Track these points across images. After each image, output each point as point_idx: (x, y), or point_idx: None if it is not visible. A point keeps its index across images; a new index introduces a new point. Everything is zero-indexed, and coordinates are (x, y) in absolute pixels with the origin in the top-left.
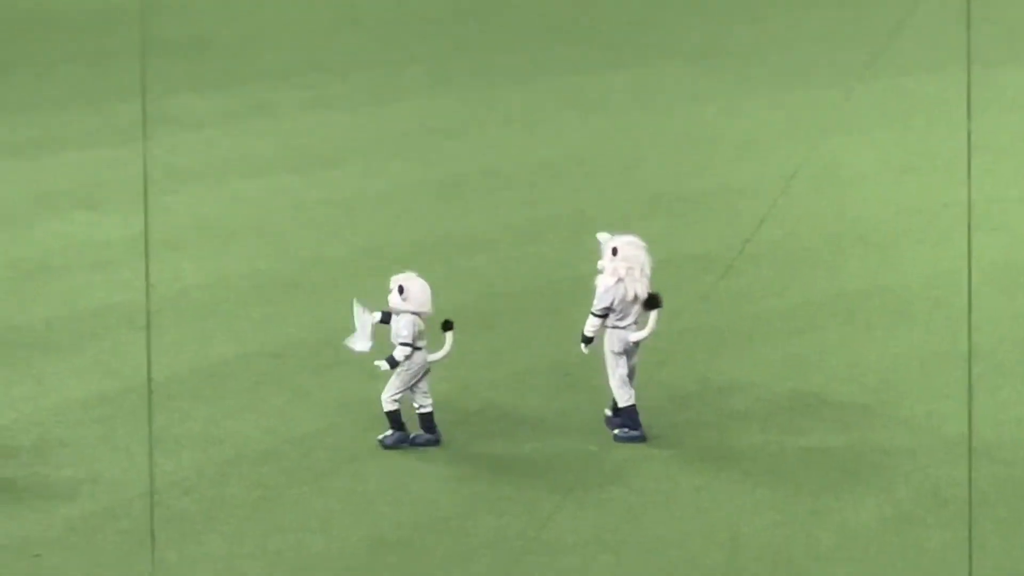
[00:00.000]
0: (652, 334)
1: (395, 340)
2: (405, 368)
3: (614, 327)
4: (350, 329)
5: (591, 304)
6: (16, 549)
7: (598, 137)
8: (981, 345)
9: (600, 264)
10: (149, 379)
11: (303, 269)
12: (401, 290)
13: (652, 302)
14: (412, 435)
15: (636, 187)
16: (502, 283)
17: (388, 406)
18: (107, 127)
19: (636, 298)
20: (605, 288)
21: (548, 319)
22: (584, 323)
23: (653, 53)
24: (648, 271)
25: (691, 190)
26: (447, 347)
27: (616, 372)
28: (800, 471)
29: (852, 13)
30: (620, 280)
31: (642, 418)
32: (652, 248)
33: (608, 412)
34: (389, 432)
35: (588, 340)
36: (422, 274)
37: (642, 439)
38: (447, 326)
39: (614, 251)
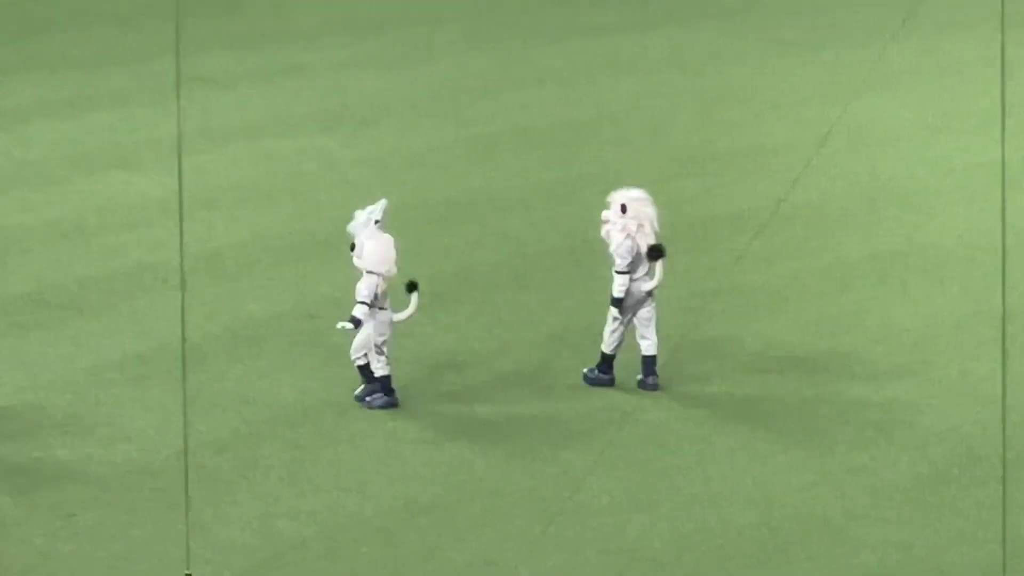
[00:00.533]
0: (661, 284)
1: (356, 300)
2: (375, 330)
3: (634, 281)
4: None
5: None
6: (51, 509)
7: (631, 97)
8: (1015, 305)
9: (605, 215)
10: (183, 339)
11: (337, 229)
12: (352, 247)
13: (655, 252)
14: (366, 396)
15: (669, 147)
16: (536, 243)
17: (381, 372)
18: (141, 87)
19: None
20: (618, 244)
21: (582, 279)
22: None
23: (686, 13)
24: (657, 225)
25: (724, 150)
26: (411, 307)
27: (613, 321)
28: (834, 430)
29: None
30: (629, 236)
31: (677, 381)
32: (685, 208)
33: (639, 376)
34: (372, 396)
35: (620, 301)
36: (457, 233)
37: (611, 383)
38: (412, 287)
39: (623, 208)
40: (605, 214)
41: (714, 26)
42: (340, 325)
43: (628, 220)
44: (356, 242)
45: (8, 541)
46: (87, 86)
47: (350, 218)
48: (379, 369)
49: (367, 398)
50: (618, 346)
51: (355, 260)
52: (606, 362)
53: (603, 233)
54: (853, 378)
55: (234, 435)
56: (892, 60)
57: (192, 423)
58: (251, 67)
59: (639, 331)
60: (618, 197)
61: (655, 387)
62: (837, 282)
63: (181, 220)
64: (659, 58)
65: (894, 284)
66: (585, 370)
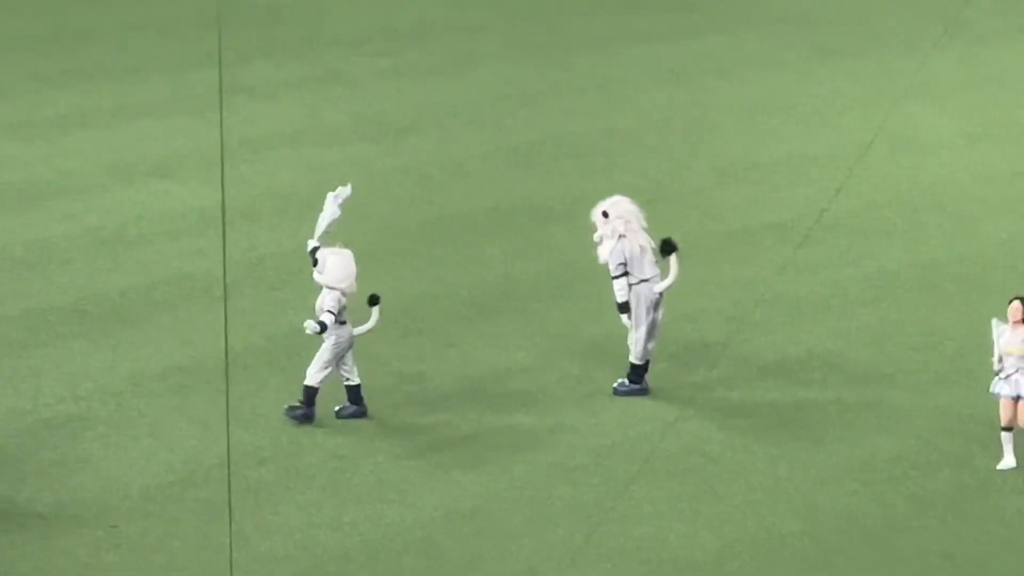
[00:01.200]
0: (677, 281)
1: (319, 312)
2: (333, 343)
3: (638, 283)
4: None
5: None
6: (93, 520)
7: (673, 105)
8: None
9: (596, 236)
10: (226, 349)
11: (378, 238)
12: (315, 263)
13: (667, 247)
14: (338, 408)
15: (711, 155)
16: (578, 252)
17: (312, 380)
18: (182, 96)
19: (642, 249)
20: (611, 249)
21: None
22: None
23: (729, 21)
24: (644, 222)
25: (767, 158)
26: (373, 321)
27: (643, 327)
28: (876, 439)
29: None
30: (622, 236)
31: (719, 389)
32: (728, 218)
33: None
34: (297, 403)
35: (625, 306)
36: (499, 242)
37: (643, 392)
38: (373, 301)
39: (604, 214)
40: (596, 235)
41: (756, 34)
42: (307, 324)
43: (614, 221)
44: (319, 256)
45: (52, 552)
46: (127, 96)
47: (396, 226)
48: (312, 378)
49: (338, 409)
50: (647, 353)
51: (316, 276)
52: (636, 372)
53: (597, 253)
54: (895, 387)
55: (276, 445)
56: (934, 69)
57: (234, 433)
58: (292, 76)
59: None
60: (597, 208)
61: (626, 394)
62: (879, 291)
63: (224, 230)
64: (701, 66)
65: (936, 293)
66: (615, 384)
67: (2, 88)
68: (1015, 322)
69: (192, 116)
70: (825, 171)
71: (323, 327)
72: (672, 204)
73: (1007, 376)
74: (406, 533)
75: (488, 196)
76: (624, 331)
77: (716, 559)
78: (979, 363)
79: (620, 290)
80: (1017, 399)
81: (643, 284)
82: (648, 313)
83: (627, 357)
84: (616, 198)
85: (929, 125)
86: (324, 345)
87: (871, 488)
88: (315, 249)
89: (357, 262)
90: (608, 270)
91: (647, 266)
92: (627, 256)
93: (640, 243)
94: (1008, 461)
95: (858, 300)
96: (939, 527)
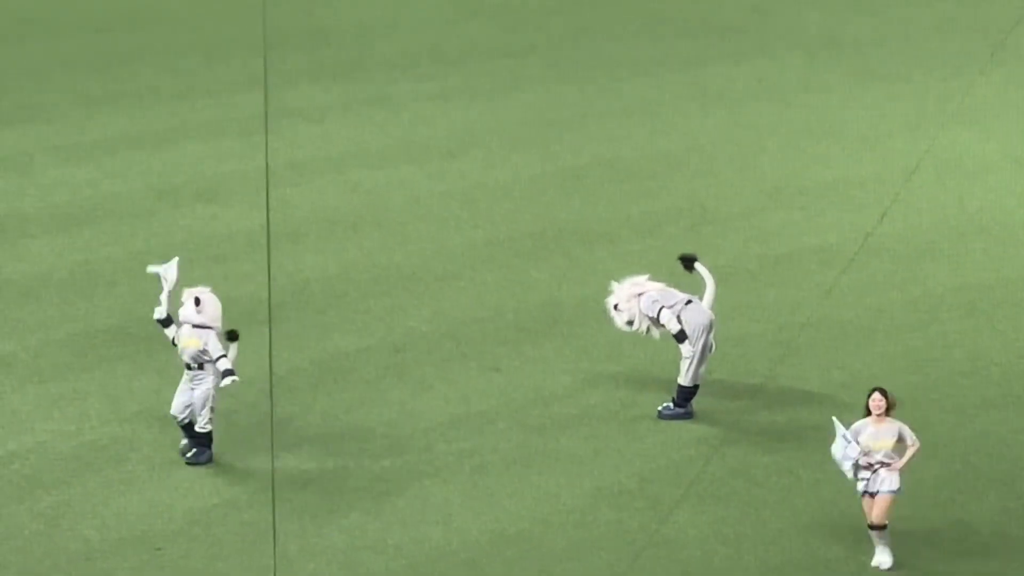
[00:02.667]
0: (716, 286)
1: (211, 357)
2: (213, 384)
3: (683, 307)
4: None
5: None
6: (137, 542)
7: (718, 129)
8: None
9: (636, 326)
10: (270, 372)
11: (423, 261)
12: (197, 302)
13: (686, 260)
14: (188, 453)
15: (756, 179)
16: (623, 276)
17: (208, 426)
18: (228, 120)
19: (663, 288)
20: (641, 308)
21: None
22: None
23: (773, 45)
24: (640, 279)
25: (812, 182)
26: (231, 356)
27: (698, 346)
28: (922, 464)
29: (973, 4)
30: (639, 296)
31: (764, 413)
32: (773, 242)
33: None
34: (197, 450)
35: (682, 334)
36: (544, 266)
37: (687, 416)
38: (232, 336)
39: (616, 307)
40: (636, 328)
41: (802, 58)
42: (228, 382)
43: (626, 302)
44: (200, 297)
45: (95, 574)
46: (174, 119)
47: (442, 250)
48: (206, 427)
49: (188, 455)
50: (697, 377)
51: (197, 318)
52: (683, 395)
53: (639, 327)
54: (940, 411)
55: (320, 468)
56: (980, 93)
57: (279, 456)
58: (338, 100)
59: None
60: (612, 314)
61: (671, 417)
62: (924, 315)
63: (269, 253)
64: (747, 90)
65: (982, 317)
66: (660, 407)
67: (50, 111)
68: (878, 415)
69: (238, 139)
70: (871, 195)
71: (232, 372)
72: (717, 228)
73: (872, 474)
74: (450, 556)
75: (534, 220)
76: (677, 356)
77: None
78: None
79: (669, 321)
80: (875, 494)
81: (688, 307)
82: (701, 336)
83: (673, 380)
84: (612, 295)
85: (975, 149)
86: (204, 388)
87: (916, 512)
88: (167, 319)
89: (403, 287)
90: (672, 333)
91: (677, 294)
92: (655, 296)
93: (656, 286)
94: (881, 559)
95: (903, 324)
96: (984, 551)
